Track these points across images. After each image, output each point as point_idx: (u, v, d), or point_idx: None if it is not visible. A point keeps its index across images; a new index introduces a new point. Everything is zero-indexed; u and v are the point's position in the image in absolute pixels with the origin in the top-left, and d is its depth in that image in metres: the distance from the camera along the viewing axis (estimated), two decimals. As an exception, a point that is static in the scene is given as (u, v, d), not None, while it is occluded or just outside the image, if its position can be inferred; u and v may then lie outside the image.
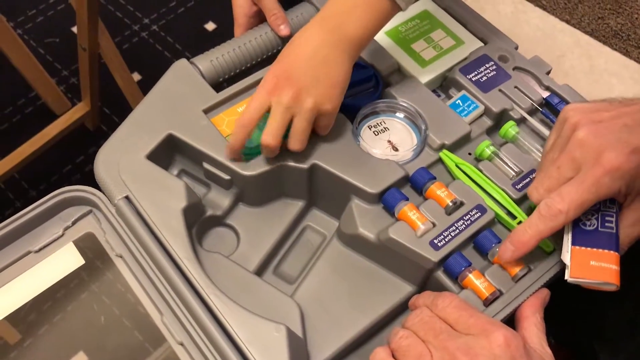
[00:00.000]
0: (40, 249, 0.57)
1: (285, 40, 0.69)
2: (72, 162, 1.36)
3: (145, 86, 1.40)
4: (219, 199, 0.61)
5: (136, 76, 1.48)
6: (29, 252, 0.57)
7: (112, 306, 0.58)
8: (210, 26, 1.57)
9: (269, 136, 0.55)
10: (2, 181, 1.21)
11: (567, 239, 0.51)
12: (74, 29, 1.52)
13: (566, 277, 0.50)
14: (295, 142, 0.56)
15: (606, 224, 0.50)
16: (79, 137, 1.36)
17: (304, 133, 0.56)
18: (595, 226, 0.50)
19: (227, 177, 0.59)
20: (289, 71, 0.55)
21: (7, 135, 1.39)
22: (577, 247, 0.50)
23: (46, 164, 1.31)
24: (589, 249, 0.50)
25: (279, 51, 0.70)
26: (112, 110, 1.43)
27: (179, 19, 1.60)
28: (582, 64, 1.34)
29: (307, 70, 0.55)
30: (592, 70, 1.33)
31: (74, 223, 0.58)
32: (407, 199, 0.57)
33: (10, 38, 1.22)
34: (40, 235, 0.57)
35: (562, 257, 0.51)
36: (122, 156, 0.58)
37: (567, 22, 1.38)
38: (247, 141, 0.58)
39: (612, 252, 0.49)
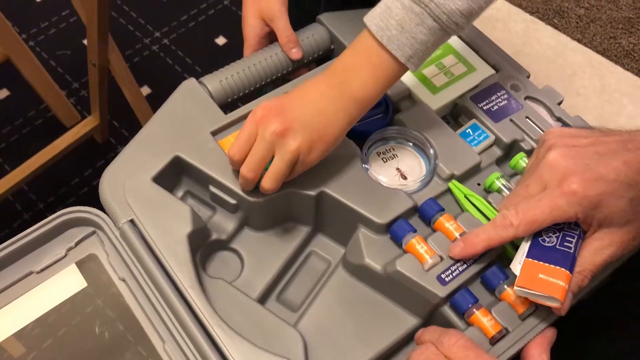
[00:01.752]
0: (42, 270, 0.56)
1: (296, 62, 0.68)
2: (80, 175, 1.35)
3: (155, 100, 1.40)
4: (224, 223, 0.59)
5: (146, 90, 1.48)
6: (31, 273, 0.56)
7: (116, 321, 0.57)
8: (221, 40, 1.56)
9: (245, 168, 0.54)
10: (10, 193, 1.20)
11: (523, 251, 0.51)
12: (86, 42, 1.52)
13: (515, 287, 0.50)
14: (268, 181, 0.54)
15: (565, 244, 0.50)
16: (88, 150, 1.36)
17: (279, 174, 0.54)
18: (554, 244, 0.51)
19: (233, 201, 0.58)
20: (282, 107, 0.54)
21: (17, 147, 1.39)
22: (530, 260, 0.50)
23: (54, 176, 1.31)
24: (541, 262, 0.50)
25: (288, 72, 0.69)
26: (121, 124, 1.43)
27: (190, 33, 1.59)
28: (594, 83, 1.32)
29: (302, 114, 0.53)
30: (603, 90, 1.32)
31: (77, 244, 0.57)
32: (415, 231, 0.55)
33: (22, 50, 1.22)
34: (43, 256, 0.57)
35: (511, 266, 0.51)
36: (128, 178, 0.57)
37: (579, 41, 1.37)
38: None
39: (563, 269, 0.49)
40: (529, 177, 0.52)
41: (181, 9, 1.64)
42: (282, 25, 0.67)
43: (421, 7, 0.51)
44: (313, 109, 0.54)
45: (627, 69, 1.36)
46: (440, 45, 0.55)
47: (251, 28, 0.69)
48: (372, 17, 0.53)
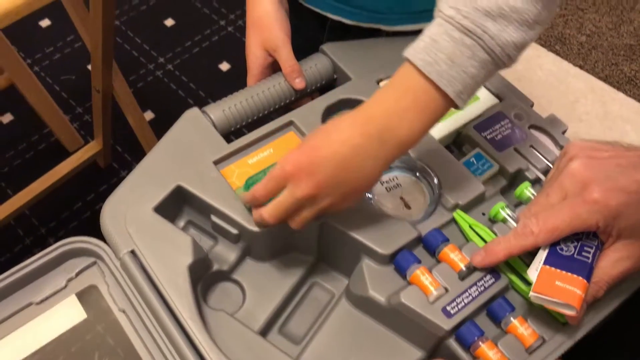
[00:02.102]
0: (42, 301, 0.55)
1: (299, 92, 0.68)
2: (83, 199, 1.35)
3: (158, 125, 1.40)
4: (225, 253, 0.59)
5: (149, 115, 1.48)
6: (30, 304, 0.55)
7: (116, 350, 0.55)
8: (224, 66, 1.57)
9: (268, 215, 0.52)
10: (12, 218, 1.19)
11: (540, 258, 0.51)
12: (90, 67, 1.53)
13: (530, 294, 0.50)
14: (295, 225, 0.53)
15: (583, 253, 0.50)
16: (90, 175, 1.36)
17: (308, 220, 0.53)
18: (572, 253, 0.51)
19: (235, 231, 0.57)
20: (314, 165, 0.50)
21: (20, 171, 1.39)
22: (547, 267, 0.50)
23: (57, 200, 1.31)
24: (558, 270, 0.50)
25: (291, 101, 0.69)
26: (124, 149, 1.43)
27: (194, 59, 1.60)
28: (596, 109, 1.33)
29: (334, 173, 0.50)
30: (606, 117, 1.32)
31: (77, 275, 0.57)
32: (420, 262, 0.55)
33: (26, 75, 1.22)
34: (43, 287, 0.56)
35: (528, 273, 0.52)
36: (129, 208, 0.57)
37: (581, 67, 1.37)
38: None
39: (581, 278, 0.49)
40: (549, 186, 0.52)
41: (185, 35, 1.66)
42: (285, 55, 0.67)
43: (473, 40, 0.48)
44: (348, 166, 0.50)
45: (630, 96, 1.37)
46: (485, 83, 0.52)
47: (255, 58, 0.69)
48: (416, 52, 0.49)
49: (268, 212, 0.52)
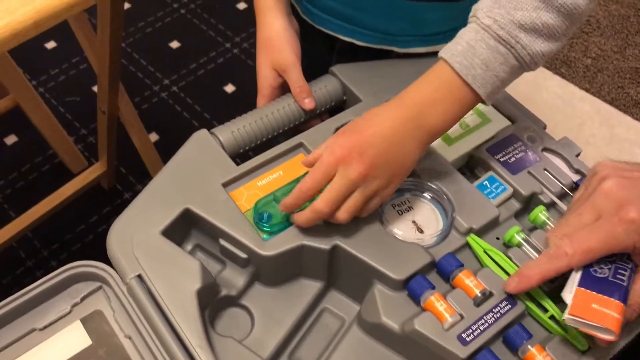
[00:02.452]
0: (45, 327, 0.54)
1: (309, 113, 0.67)
2: (86, 221, 1.33)
3: (163, 146, 1.39)
4: (234, 278, 0.57)
5: (154, 136, 1.47)
6: (33, 330, 0.53)
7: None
8: (229, 88, 1.57)
9: (324, 203, 0.53)
10: (15, 240, 1.17)
11: (574, 280, 0.50)
12: (95, 88, 1.53)
13: (564, 316, 0.48)
14: (345, 214, 0.54)
15: (617, 276, 0.49)
16: (94, 196, 1.34)
17: (357, 207, 0.54)
18: (606, 275, 0.49)
19: (244, 255, 0.56)
20: (362, 146, 0.53)
21: (23, 193, 1.38)
22: (582, 289, 0.49)
23: (59, 222, 1.29)
24: (594, 292, 0.48)
25: (301, 122, 0.68)
26: (128, 170, 1.42)
27: (199, 81, 1.60)
28: (603, 132, 1.32)
29: (381, 150, 0.53)
30: (612, 140, 1.31)
31: (82, 300, 0.55)
32: (434, 287, 0.53)
33: (31, 97, 1.22)
34: (47, 312, 0.54)
35: (562, 295, 0.50)
36: (136, 231, 0.55)
37: (587, 90, 1.37)
38: (267, 217, 0.56)
39: (617, 301, 0.47)
40: (580, 206, 0.51)
41: (190, 58, 1.66)
42: (295, 76, 0.66)
43: (507, 48, 0.53)
44: (392, 143, 0.53)
45: (636, 119, 1.36)
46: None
47: (264, 79, 0.68)
48: (454, 55, 0.54)
49: (322, 199, 0.53)
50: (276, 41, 0.67)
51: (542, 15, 0.52)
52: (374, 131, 0.53)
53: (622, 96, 1.36)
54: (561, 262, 0.49)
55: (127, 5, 1.72)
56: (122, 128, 1.25)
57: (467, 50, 0.53)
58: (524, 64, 0.54)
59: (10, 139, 1.48)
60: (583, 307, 0.48)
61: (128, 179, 1.41)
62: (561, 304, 0.55)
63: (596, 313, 0.47)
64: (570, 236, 0.49)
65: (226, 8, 1.77)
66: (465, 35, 0.54)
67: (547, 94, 1.35)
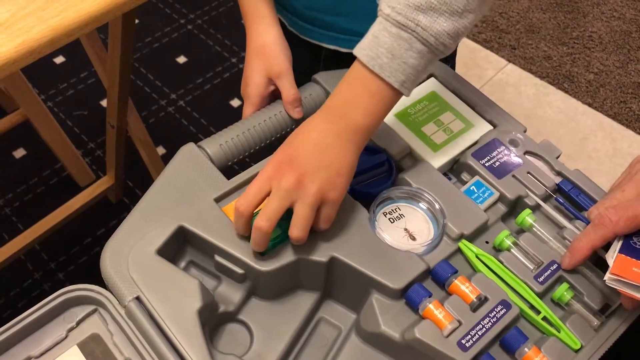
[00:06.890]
0: (41, 354, 0.46)
1: (297, 122, 0.60)
2: (93, 234, 1.23)
3: (169, 160, 1.29)
4: (230, 293, 0.50)
5: (161, 150, 1.37)
6: (29, 358, 0.45)
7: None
8: (235, 102, 1.46)
9: (262, 218, 0.45)
10: (22, 253, 1.07)
11: (615, 248, 0.47)
12: (103, 103, 1.42)
13: (605, 276, 0.46)
14: (297, 230, 0.46)
15: None
16: (101, 209, 1.24)
17: (306, 220, 0.46)
18: None
19: (241, 271, 0.48)
20: (292, 156, 0.47)
21: (31, 206, 1.27)
22: (623, 255, 0.46)
23: (66, 235, 1.19)
24: (634, 259, 0.46)
25: (287, 132, 0.60)
26: (135, 184, 1.31)
27: (205, 95, 1.49)
28: (606, 147, 1.24)
29: (312, 156, 0.47)
30: (615, 154, 1.23)
31: (78, 324, 0.47)
32: (431, 295, 0.46)
33: (41, 111, 1.12)
34: (42, 339, 0.46)
35: (606, 257, 0.47)
36: (131, 252, 0.47)
37: (590, 105, 1.29)
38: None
39: None
40: (623, 184, 0.49)
41: (197, 72, 1.54)
42: (289, 83, 0.58)
43: (409, 33, 0.46)
44: (322, 147, 0.47)
45: (639, 133, 1.28)
46: (429, 71, 0.49)
47: (255, 86, 0.60)
48: (361, 49, 0.48)
49: (260, 215, 0.45)
50: (270, 48, 0.60)
51: None
52: (302, 139, 0.48)
53: (625, 111, 1.28)
54: (607, 230, 0.46)
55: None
56: (130, 141, 1.15)
57: (371, 42, 0.47)
58: (431, 47, 0.47)
59: (19, 152, 1.37)
60: (624, 269, 0.45)
61: (135, 192, 1.31)
62: (555, 306, 0.49)
63: (635, 274, 0.45)
64: (613, 207, 0.47)
65: (232, 23, 1.65)
66: (371, 29, 0.48)
67: (550, 109, 1.27)
